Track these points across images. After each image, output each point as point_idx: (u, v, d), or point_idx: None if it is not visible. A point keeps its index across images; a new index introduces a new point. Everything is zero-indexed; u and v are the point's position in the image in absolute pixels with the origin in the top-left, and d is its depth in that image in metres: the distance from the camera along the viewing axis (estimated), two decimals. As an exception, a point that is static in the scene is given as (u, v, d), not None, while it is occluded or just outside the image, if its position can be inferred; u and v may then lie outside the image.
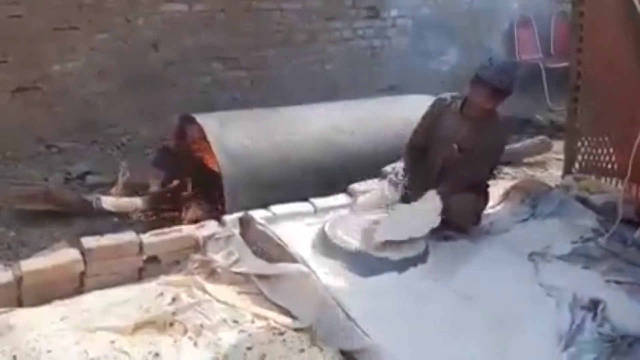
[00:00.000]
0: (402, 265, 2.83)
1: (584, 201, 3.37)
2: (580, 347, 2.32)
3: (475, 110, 2.99)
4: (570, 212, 3.28)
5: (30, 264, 2.59)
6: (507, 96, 2.94)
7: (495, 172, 3.26)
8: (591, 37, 3.52)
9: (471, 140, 2.98)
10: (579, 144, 3.73)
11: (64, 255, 2.67)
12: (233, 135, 3.55)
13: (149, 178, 3.66)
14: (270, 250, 2.78)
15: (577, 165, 3.77)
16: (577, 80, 3.67)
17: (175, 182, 3.64)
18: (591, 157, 3.66)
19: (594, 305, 2.49)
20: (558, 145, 4.46)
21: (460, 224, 3.09)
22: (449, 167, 3.04)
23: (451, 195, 2.95)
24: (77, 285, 2.62)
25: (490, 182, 3.29)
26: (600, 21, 3.41)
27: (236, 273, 2.68)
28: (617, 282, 2.69)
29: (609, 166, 3.51)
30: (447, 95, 3.17)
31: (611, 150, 3.49)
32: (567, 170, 3.82)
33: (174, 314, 2.37)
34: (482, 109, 2.96)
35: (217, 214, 3.24)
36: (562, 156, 4.02)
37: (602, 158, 3.57)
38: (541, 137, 4.82)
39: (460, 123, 3.03)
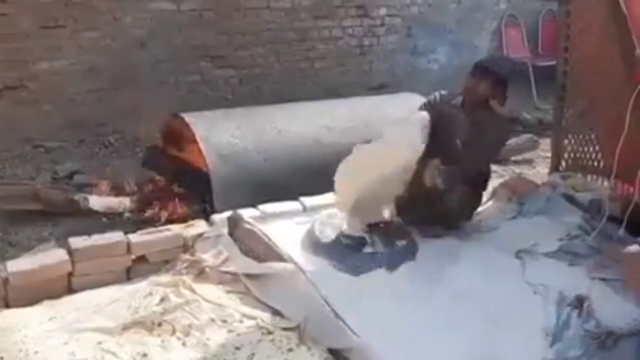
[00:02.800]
0: (391, 263, 2.84)
1: (570, 199, 3.39)
2: (567, 343, 2.35)
3: (475, 101, 3.01)
4: (557, 209, 3.30)
5: (17, 265, 2.58)
6: (505, 84, 2.98)
7: (491, 167, 3.27)
8: (577, 36, 3.55)
9: (473, 134, 3.00)
10: (566, 142, 3.76)
11: (52, 256, 2.66)
12: (222, 134, 3.55)
13: (137, 177, 3.65)
14: (259, 249, 2.79)
15: (563, 163, 3.80)
16: (564, 79, 3.70)
17: (164, 182, 3.63)
18: (578, 155, 3.68)
19: (579, 302, 2.52)
20: (545, 143, 4.50)
21: (454, 219, 3.10)
22: (451, 162, 3.04)
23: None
24: (65, 285, 2.61)
25: (489, 179, 3.30)
26: (587, 20, 3.44)
27: (225, 272, 2.68)
28: (603, 279, 2.72)
29: (595, 164, 3.54)
30: (442, 93, 3.18)
31: (597, 148, 3.52)
32: (554, 168, 3.85)
33: (162, 314, 2.37)
34: (481, 98, 2.99)
35: (206, 213, 3.23)
36: (549, 154, 4.05)
37: (588, 156, 3.59)
38: (528, 135, 4.86)
39: (462, 119, 3.05)
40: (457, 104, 3.10)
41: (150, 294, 2.52)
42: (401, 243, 2.96)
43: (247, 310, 2.45)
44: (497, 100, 3.02)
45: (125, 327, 2.30)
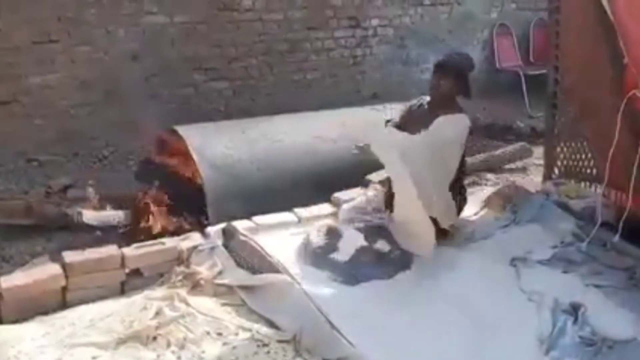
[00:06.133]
0: (386, 273, 2.84)
1: (563, 206, 3.41)
2: (562, 350, 2.35)
3: (440, 99, 3.07)
4: (551, 217, 3.31)
5: (11, 280, 2.57)
6: (465, 78, 3.04)
7: (464, 168, 3.24)
8: (567, 44, 3.58)
9: None
10: (558, 149, 3.78)
11: (45, 270, 2.65)
12: (215, 147, 3.55)
13: (131, 191, 3.64)
14: (254, 261, 2.79)
15: (556, 171, 3.82)
16: (555, 87, 3.73)
17: (158, 195, 3.61)
18: (570, 163, 3.71)
19: (574, 309, 2.52)
20: (539, 151, 4.52)
21: (442, 222, 3.10)
22: None
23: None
24: (59, 300, 2.60)
25: (464, 180, 3.28)
26: (576, 29, 3.47)
27: (220, 284, 2.68)
28: (597, 286, 2.73)
29: (588, 171, 3.56)
30: (414, 100, 3.27)
31: (589, 155, 3.55)
32: (547, 176, 3.87)
33: (157, 327, 2.36)
34: (446, 95, 3.06)
35: (200, 225, 3.22)
36: (542, 162, 4.07)
37: (581, 163, 3.61)
38: (521, 143, 4.88)
39: (427, 120, 3.08)
40: (423, 107, 3.17)
41: (145, 307, 2.51)
42: (396, 252, 2.96)
43: (243, 322, 2.44)
44: (461, 94, 3.09)
45: (120, 342, 2.29)
